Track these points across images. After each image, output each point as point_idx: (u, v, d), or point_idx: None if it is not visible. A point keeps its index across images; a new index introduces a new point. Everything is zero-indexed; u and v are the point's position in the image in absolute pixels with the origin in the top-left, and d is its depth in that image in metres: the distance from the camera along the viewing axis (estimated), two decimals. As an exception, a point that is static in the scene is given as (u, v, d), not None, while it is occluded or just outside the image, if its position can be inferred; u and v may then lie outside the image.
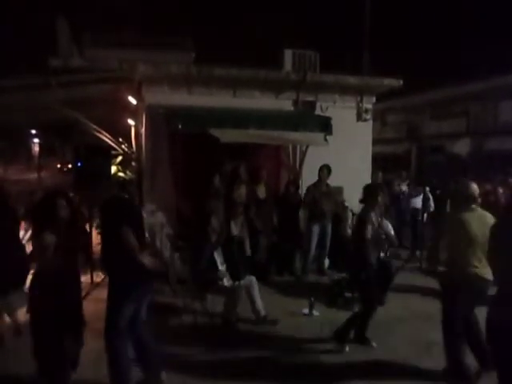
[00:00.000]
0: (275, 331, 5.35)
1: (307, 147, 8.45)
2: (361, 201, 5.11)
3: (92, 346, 4.18)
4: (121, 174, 10.48)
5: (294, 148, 8.77)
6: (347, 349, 4.82)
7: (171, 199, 7.47)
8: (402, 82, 9.44)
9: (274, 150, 8.73)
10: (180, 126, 7.03)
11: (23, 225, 5.92)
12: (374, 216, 4.84)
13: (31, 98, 7.95)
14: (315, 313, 5.92)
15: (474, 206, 4.20)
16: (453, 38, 26.32)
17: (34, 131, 28.51)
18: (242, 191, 7.46)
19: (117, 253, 3.83)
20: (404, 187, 10.20)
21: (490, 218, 4.06)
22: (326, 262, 8.01)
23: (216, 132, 6.99)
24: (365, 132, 9.46)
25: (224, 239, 5.97)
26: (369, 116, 9.47)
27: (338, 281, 6.61)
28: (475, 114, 18.31)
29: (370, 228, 4.74)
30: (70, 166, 21.15)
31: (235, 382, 4.26)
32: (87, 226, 7.18)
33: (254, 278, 5.71)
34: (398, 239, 7.92)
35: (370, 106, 9.50)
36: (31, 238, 4.61)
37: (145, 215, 5.13)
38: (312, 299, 5.94)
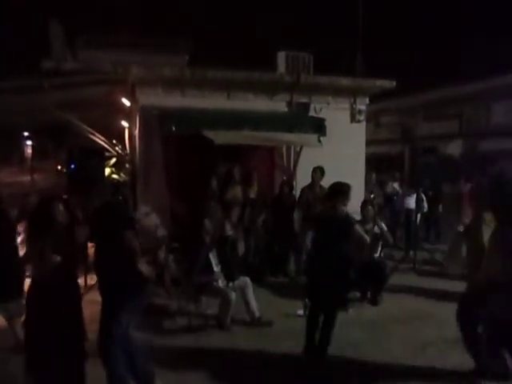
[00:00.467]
0: (270, 332, 5.36)
1: (301, 148, 8.47)
2: (330, 199, 4.70)
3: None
4: (115, 176, 10.46)
5: (288, 149, 8.79)
6: None
7: (165, 201, 7.46)
8: (394, 83, 9.51)
9: (268, 151, 8.75)
10: (174, 128, 7.03)
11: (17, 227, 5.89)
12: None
13: (24, 100, 7.92)
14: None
15: None
16: (446, 40, 26.48)
17: (26, 133, 28.33)
18: (237, 192, 7.49)
19: (115, 260, 3.71)
20: (397, 187, 10.25)
21: None
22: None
23: (210, 134, 6.99)
24: (358, 133, 9.50)
25: (218, 239, 5.97)
26: (362, 117, 9.52)
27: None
28: (468, 116, 18.44)
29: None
30: (60, 168, 21.10)
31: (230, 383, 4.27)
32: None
33: (248, 280, 5.72)
34: (393, 239, 7.96)
35: (363, 108, 9.55)
36: (25, 241, 4.59)
37: (139, 217, 5.13)
38: (306, 300, 5.94)
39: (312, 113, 9.04)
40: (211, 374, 4.36)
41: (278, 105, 8.92)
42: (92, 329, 3.97)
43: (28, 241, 3.83)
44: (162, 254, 6.19)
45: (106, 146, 10.17)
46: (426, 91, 19.02)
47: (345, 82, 9.23)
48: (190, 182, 7.49)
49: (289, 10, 33.53)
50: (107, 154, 11.15)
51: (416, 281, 7.56)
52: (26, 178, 21.88)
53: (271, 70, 9.30)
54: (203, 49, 19.88)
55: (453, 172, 10.03)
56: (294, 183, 8.54)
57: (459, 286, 7.12)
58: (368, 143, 9.85)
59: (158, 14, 27.78)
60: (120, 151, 11.27)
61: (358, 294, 6.52)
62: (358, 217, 7.10)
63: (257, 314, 5.57)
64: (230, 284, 5.60)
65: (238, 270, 5.85)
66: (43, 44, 9.61)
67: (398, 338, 5.25)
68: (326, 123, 8.00)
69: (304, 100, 9.10)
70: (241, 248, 6.82)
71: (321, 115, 8.71)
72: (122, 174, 10.63)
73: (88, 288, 6.62)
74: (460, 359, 4.48)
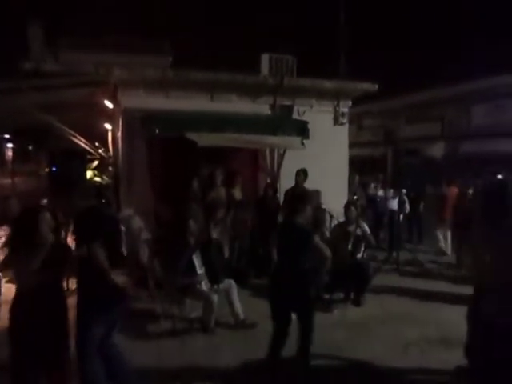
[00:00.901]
0: (254, 334, 5.35)
1: (285, 151, 8.49)
2: (292, 210, 4.53)
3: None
4: (97, 179, 10.35)
5: (272, 152, 8.81)
6: None
7: (149, 203, 7.41)
8: (377, 86, 9.59)
9: (252, 153, 8.75)
10: (157, 131, 6.99)
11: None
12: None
13: (3, 102, 7.78)
14: (294, 316, 5.91)
15: None
16: (428, 43, 26.87)
17: (7, 136, 27.88)
18: (220, 194, 7.47)
19: (86, 271, 3.61)
20: (380, 191, 10.33)
21: None
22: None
23: (193, 136, 6.96)
24: (341, 136, 9.56)
25: (202, 242, 5.94)
26: (345, 120, 9.59)
27: (316, 283, 6.64)
28: (449, 118, 18.74)
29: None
30: (41, 170, 20.81)
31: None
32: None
33: (232, 282, 5.71)
34: (375, 240, 8.02)
35: (346, 110, 9.62)
36: (4, 245, 4.50)
37: (122, 221, 5.07)
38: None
39: (295, 115, 9.08)
40: (196, 377, 4.33)
41: (262, 107, 8.93)
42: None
43: (11, 249, 3.63)
44: (145, 257, 6.14)
45: (88, 148, 10.05)
46: (408, 94, 19.29)
47: (328, 84, 9.29)
48: (173, 185, 7.45)
49: (273, 12, 33.67)
50: (89, 156, 11.06)
51: (399, 281, 7.63)
52: (7, 181, 21.52)
53: (255, 73, 9.32)
54: (187, 50, 19.83)
55: (435, 173, 10.17)
56: (278, 186, 8.55)
57: (441, 287, 7.27)
58: (351, 145, 9.92)
59: (141, 16, 27.67)
60: (103, 153, 11.16)
61: (341, 295, 6.56)
62: (341, 218, 7.18)
63: (241, 316, 5.56)
64: (215, 286, 5.58)
65: (222, 273, 5.83)
66: (22, 45, 9.49)
67: (381, 338, 5.28)
68: (310, 126, 8.04)
69: (287, 102, 9.13)
70: (225, 250, 6.80)
71: (304, 118, 8.75)
72: (104, 177, 10.52)
73: (70, 292, 6.54)
74: (442, 359, 4.53)
